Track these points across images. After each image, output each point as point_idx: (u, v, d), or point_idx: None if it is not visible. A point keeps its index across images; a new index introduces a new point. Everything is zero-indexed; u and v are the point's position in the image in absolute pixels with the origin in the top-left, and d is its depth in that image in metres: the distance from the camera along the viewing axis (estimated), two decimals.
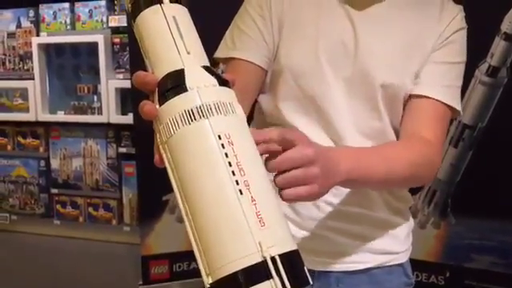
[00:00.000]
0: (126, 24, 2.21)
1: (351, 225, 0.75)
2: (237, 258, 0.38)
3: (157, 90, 0.44)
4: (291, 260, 0.39)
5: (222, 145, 0.41)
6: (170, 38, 0.45)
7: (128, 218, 2.53)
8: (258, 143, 0.45)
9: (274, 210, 0.41)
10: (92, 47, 2.43)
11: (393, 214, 0.78)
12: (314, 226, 0.73)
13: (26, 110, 2.60)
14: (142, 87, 0.45)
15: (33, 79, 2.56)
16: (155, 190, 2.02)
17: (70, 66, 2.59)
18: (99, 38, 2.38)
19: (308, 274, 0.41)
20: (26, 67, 2.61)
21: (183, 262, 2.07)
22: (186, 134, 0.41)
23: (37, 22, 2.56)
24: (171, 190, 1.69)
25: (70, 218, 2.65)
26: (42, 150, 2.68)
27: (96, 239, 2.56)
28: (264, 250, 0.38)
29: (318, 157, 0.49)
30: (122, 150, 2.52)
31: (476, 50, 1.61)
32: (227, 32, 0.78)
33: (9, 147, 2.73)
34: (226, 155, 0.40)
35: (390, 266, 0.78)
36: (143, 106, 0.43)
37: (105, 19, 2.43)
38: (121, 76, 2.39)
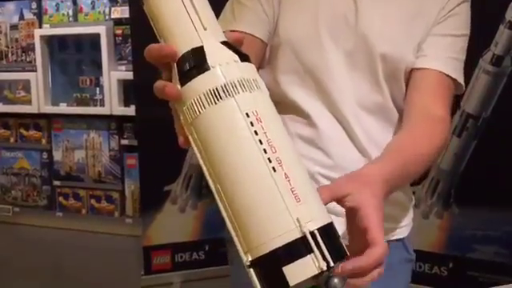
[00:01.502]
0: (128, 15, 2.21)
1: None
2: (276, 236, 0.38)
3: (176, 69, 0.43)
4: (328, 233, 0.40)
5: (251, 123, 0.40)
6: (185, 13, 0.43)
7: (130, 210, 2.53)
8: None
9: (307, 184, 0.41)
10: (94, 39, 2.43)
11: None
12: None
13: (29, 102, 2.60)
14: (159, 60, 0.43)
15: (35, 71, 2.56)
16: (157, 181, 2.03)
17: (73, 58, 2.59)
18: (101, 30, 2.38)
19: (345, 246, 0.41)
20: (28, 59, 2.61)
21: (185, 253, 2.07)
22: (213, 115, 0.40)
23: (39, 13, 2.56)
24: (173, 180, 1.69)
25: (72, 210, 2.65)
26: (44, 142, 2.68)
27: (98, 231, 2.56)
28: (302, 226, 0.38)
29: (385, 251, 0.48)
30: (125, 141, 2.52)
31: (480, 38, 1.61)
32: (227, 5, 0.78)
33: (11, 139, 2.74)
34: (256, 133, 0.40)
35: (390, 240, 0.78)
36: (163, 88, 0.41)
37: (107, 11, 2.43)
38: (123, 68, 2.39)
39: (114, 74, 2.41)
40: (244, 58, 0.43)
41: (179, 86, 0.42)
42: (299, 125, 0.75)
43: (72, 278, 2.19)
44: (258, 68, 0.78)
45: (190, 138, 0.42)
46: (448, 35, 0.73)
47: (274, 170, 0.39)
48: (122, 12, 2.36)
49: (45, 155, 2.68)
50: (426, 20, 0.73)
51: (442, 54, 0.73)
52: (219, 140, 0.40)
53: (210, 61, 0.41)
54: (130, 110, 2.31)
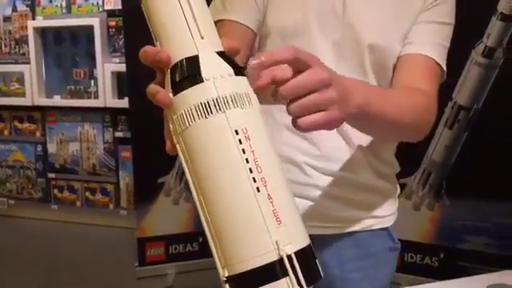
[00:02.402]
0: (121, 7, 2.20)
1: (336, 188, 0.75)
2: (254, 256, 0.39)
3: (169, 75, 0.42)
4: (305, 256, 0.40)
5: (240, 140, 0.40)
6: (183, 19, 0.42)
7: (125, 202, 2.54)
8: (268, 65, 0.43)
9: (289, 205, 0.41)
10: (88, 31, 2.42)
11: (378, 178, 0.78)
12: (298, 190, 0.73)
13: (23, 94, 2.60)
14: (153, 65, 0.43)
15: (29, 63, 2.55)
16: (151, 174, 2.03)
17: (67, 50, 2.58)
18: (95, 22, 2.37)
19: (320, 268, 0.41)
20: (21, 51, 2.60)
21: (179, 244, 2.08)
22: (202, 129, 0.40)
23: (32, 5, 2.55)
24: (166, 172, 1.68)
25: (67, 202, 2.65)
26: (38, 134, 2.68)
27: (93, 223, 2.57)
28: (280, 249, 0.38)
29: (334, 80, 0.46)
30: (119, 134, 2.52)
31: (472, 30, 1.62)
32: None
33: (6, 132, 2.74)
34: (243, 151, 0.40)
35: (375, 229, 0.79)
36: (156, 94, 0.41)
37: (100, 2, 2.42)
38: (117, 60, 2.39)
39: (108, 67, 2.40)
40: (239, 70, 0.43)
41: (171, 95, 0.42)
42: (287, 115, 0.75)
43: (67, 270, 2.20)
44: (248, 57, 0.78)
45: (177, 146, 0.42)
46: (433, 22, 0.74)
47: (258, 191, 0.39)
48: (115, 3, 2.36)
49: (39, 148, 2.68)
50: (412, 10, 0.73)
51: (428, 39, 0.73)
52: (206, 155, 0.40)
53: (204, 73, 0.41)
54: (124, 102, 2.31)
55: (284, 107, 0.76)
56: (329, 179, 0.76)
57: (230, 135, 0.40)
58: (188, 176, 0.42)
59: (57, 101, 2.57)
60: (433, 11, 0.73)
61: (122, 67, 2.25)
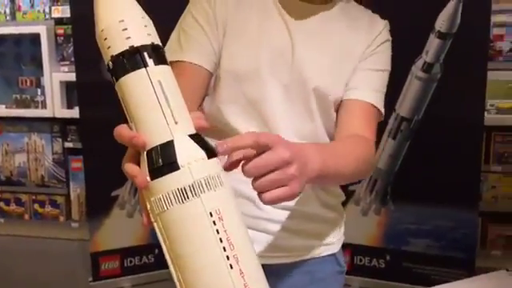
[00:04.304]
0: (69, 15, 2.14)
1: (287, 220, 0.80)
2: None
3: (146, 158, 0.45)
4: None
5: (214, 222, 0.44)
6: (158, 106, 0.45)
7: (76, 214, 2.48)
8: (232, 151, 0.48)
9: (258, 276, 0.46)
10: (34, 38, 2.34)
11: (325, 208, 0.84)
12: (252, 223, 0.77)
13: None
14: (128, 146, 0.46)
15: None
16: (103, 185, 2.00)
17: (12, 56, 2.48)
18: (41, 30, 2.29)
19: None
20: None
21: (134, 257, 2.06)
22: (179, 212, 0.44)
23: None
24: (120, 185, 1.67)
25: (14, 215, 2.55)
26: None
27: (43, 236, 2.48)
28: None
29: (294, 157, 0.50)
30: (69, 144, 2.45)
31: (412, 46, 1.72)
32: (172, 35, 0.79)
33: None
34: (218, 231, 0.43)
35: (323, 256, 0.84)
36: (134, 178, 0.44)
37: (47, 10, 2.35)
38: (66, 68, 2.32)
39: (56, 75, 2.33)
40: (211, 152, 0.46)
41: (148, 178, 0.45)
42: None
43: (16, 286, 2.13)
44: (204, 96, 0.81)
45: (155, 225, 0.46)
46: (372, 70, 0.80)
47: (231, 267, 0.43)
48: (62, 11, 2.29)
49: None
50: (352, 58, 0.80)
51: (369, 86, 0.80)
52: (183, 236, 0.44)
53: (179, 159, 0.44)
54: (74, 112, 2.25)
55: None
56: (280, 212, 0.80)
57: (205, 218, 0.44)
58: (165, 251, 0.46)
59: (1, 110, 2.46)
60: (371, 60, 0.80)
61: (71, 76, 2.19)
